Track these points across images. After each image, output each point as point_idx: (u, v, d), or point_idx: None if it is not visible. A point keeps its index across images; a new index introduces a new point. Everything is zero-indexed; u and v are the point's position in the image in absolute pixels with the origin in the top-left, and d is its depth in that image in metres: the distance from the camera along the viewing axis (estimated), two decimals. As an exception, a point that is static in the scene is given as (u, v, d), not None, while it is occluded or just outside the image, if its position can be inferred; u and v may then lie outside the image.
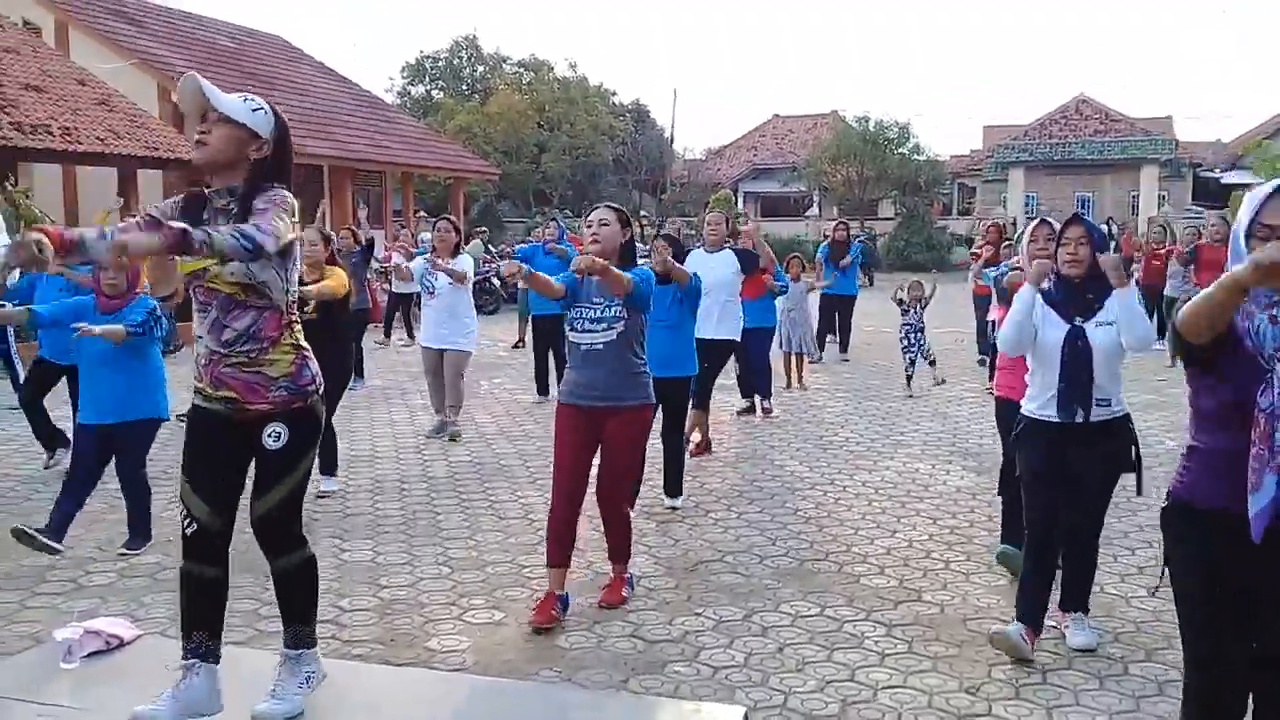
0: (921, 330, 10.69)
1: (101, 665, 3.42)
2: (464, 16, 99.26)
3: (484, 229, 23.46)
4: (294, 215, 3.11)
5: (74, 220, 17.43)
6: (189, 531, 3.18)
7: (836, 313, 13.12)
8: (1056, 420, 4.16)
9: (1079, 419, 4.12)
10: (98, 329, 5.29)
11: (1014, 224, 26.39)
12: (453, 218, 9.09)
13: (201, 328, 3.18)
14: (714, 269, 7.16)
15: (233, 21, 26.80)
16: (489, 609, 4.71)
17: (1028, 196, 37.05)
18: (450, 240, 8.41)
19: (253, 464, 3.24)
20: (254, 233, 2.91)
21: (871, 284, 25.11)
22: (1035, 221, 5.21)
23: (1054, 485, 4.20)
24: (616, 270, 4.43)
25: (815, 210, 39.29)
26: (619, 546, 4.82)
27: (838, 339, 13.20)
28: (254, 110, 3.14)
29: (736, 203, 38.59)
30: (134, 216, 3.11)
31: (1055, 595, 4.33)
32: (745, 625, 4.52)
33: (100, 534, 5.75)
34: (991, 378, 10.56)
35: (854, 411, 9.63)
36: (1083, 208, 36.39)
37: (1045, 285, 4.40)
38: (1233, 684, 2.70)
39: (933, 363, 10.75)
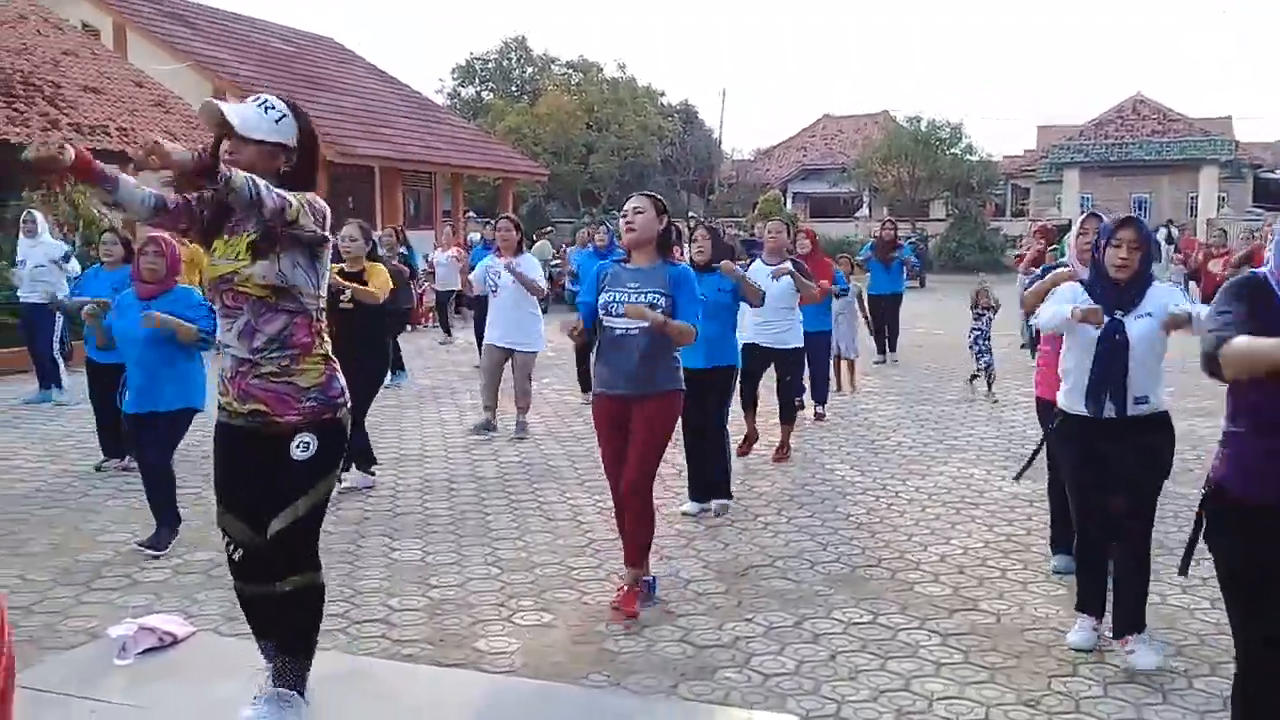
0: (988, 339, 10.49)
1: (156, 662, 3.44)
2: (514, 19, 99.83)
3: (550, 228, 23.47)
4: (321, 220, 3.08)
5: (130, 220, 17.74)
6: (236, 556, 3.16)
7: (884, 312, 12.95)
8: (1088, 414, 4.07)
9: (1109, 413, 4.02)
10: (171, 320, 5.30)
11: (1052, 227, 26.02)
12: (513, 216, 9.09)
13: (229, 335, 3.12)
14: (771, 273, 7.10)
15: (286, 24, 27.14)
16: (538, 610, 4.68)
17: (1083, 197, 36.43)
18: (513, 239, 8.40)
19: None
20: (264, 190, 2.85)
21: (922, 285, 24.85)
22: (1085, 214, 5.12)
23: (1092, 482, 4.12)
24: (675, 323, 4.45)
25: (865, 211, 39.01)
26: (637, 544, 4.69)
27: (886, 339, 13.03)
28: (277, 121, 3.09)
29: (785, 204, 38.39)
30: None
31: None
32: (796, 632, 4.45)
33: (148, 530, 5.79)
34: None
35: (906, 415, 9.50)
36: (1140, 209, 35.79)
37: (1084, 276, 4.33)
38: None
39: (991, 381, 10.52)
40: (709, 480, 6.26)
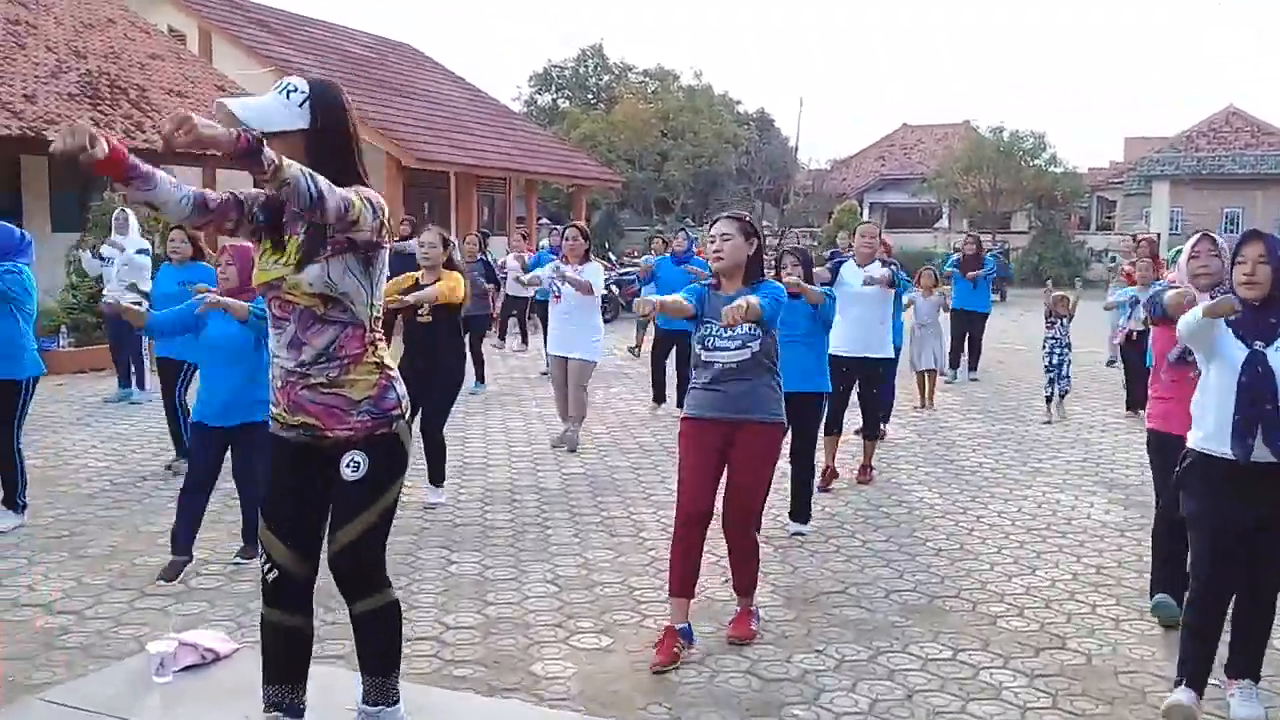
0: (1068, 347, 10.02)
1: (194, 681, 3.30)
2: (592, 27, 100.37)
3: (607, 250, 23.35)
4: (379, 212, 2.81)
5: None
6: (270, 577, 2.95)
7: (967, 330, 12.49)
8: (1230, 457, 3.69)
9: (1260, 457, 3.64)
10: (225, 300, 5.10)
11: (1154, 239, 25.11)
12: (581, 224, 8.93)
13: (278, 345, 2.91)
14: (865, 275, 6.84)
15: (367, 30, 27.44)
16: (597, 633, 4.47)
17: (1172, 211, 35.31)
18: (579, 247, 8.25)
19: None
20: (326, 188, 2.60)
21: (1004, 299, 24.22)
22: (1197, 235, 4.71)
23: (1225, 532, 3.73)
24: (750, 299, 4.14)
25: (944, 222, 38.29)
26: (746, 577, 4.49)
27: (968, 357, 12.59)
28: (300, 105, 2.80)
29: (862, 214, 37.81)
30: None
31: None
32: (870, 666, 4.18)
33: (214, 535, 5.71)
34: (1129, 405, 9.97)
35: (987, 435, 9.12)
36: (1231, 225, 34.59)
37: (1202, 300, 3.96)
38: None
39: (1063, 395, 10.06)
40: (795, 501, 6.07)
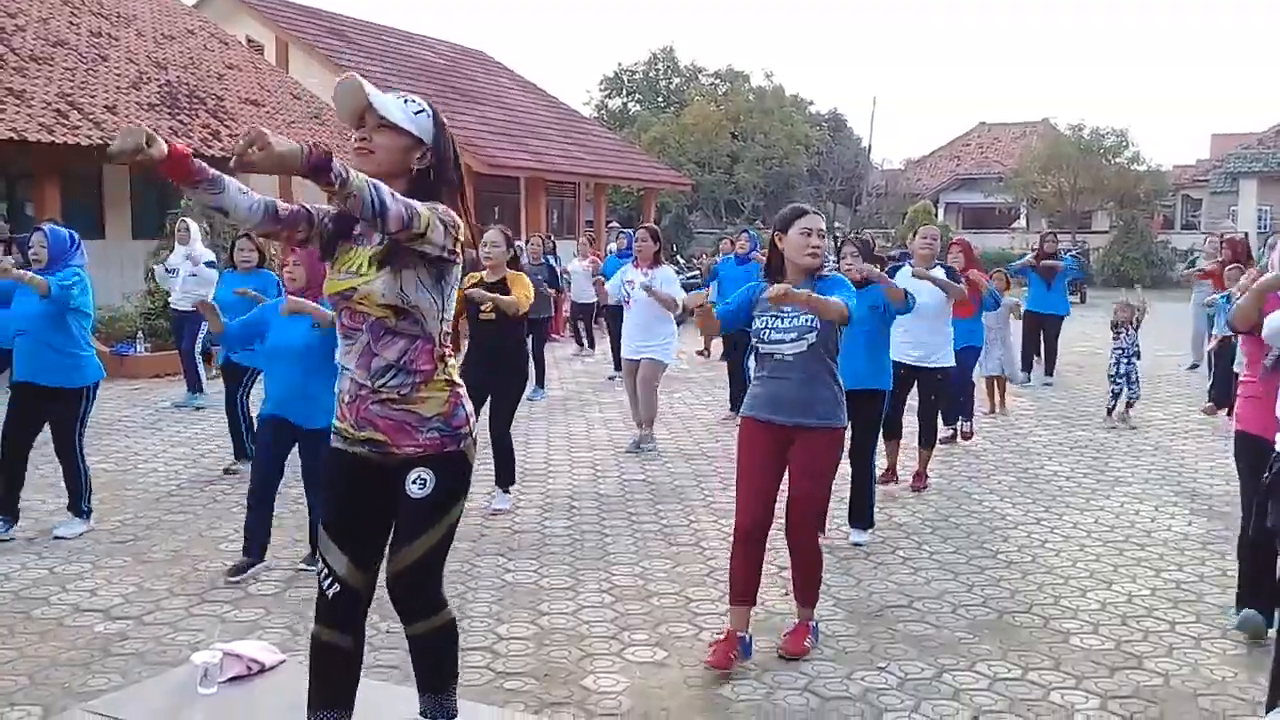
0: (1136, 356, 9.68)
1: (239, 692, 3.26)
2: (662, 29, 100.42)
3: (676, 253, 23.22)
4: (456, 231, 2.78)
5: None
6: (331, 592, 2.88)
7: (1042, 333, 12.11)
8: None
9: None
10: (307, 304, 5.11)
11: (1244, 238, 24.29)
12: (652, 226, 8.84)
13: (348, 357, 2.86)
14: (925, 288, 6.65)
15: (440, 38, 27.74)
16: (651, 646, 4.38)
17: (1260, 209, 34.11)
18: (649, 250, 8.17)
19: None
20: (389, 197, 2.56)
21: (1083, 301, 23.58)
22: None
23: None
24: (824, 299, 4.00)
25: (1022, 222, 37.52)
26: (806, 584, 4.36)
27: (1044, 361, 12.22)
28: (416, 113, 2.82)
29: (937, 214, 37.19)
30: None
31: None
32: (934, 685, 4.02)
33: (276, 541, 5.71)
34: (1219, 405, 9.57)
35: (1062, 442, 8.83)
36: (1321, 222, 33.29)
37: None
38: None
39: (1131, 403, 9.70)
40: (854, 504, 5.92)
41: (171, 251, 10.61)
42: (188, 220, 10.39)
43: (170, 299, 10.40)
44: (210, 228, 11.86)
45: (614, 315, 10.88)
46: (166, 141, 2.42)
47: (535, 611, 4.77)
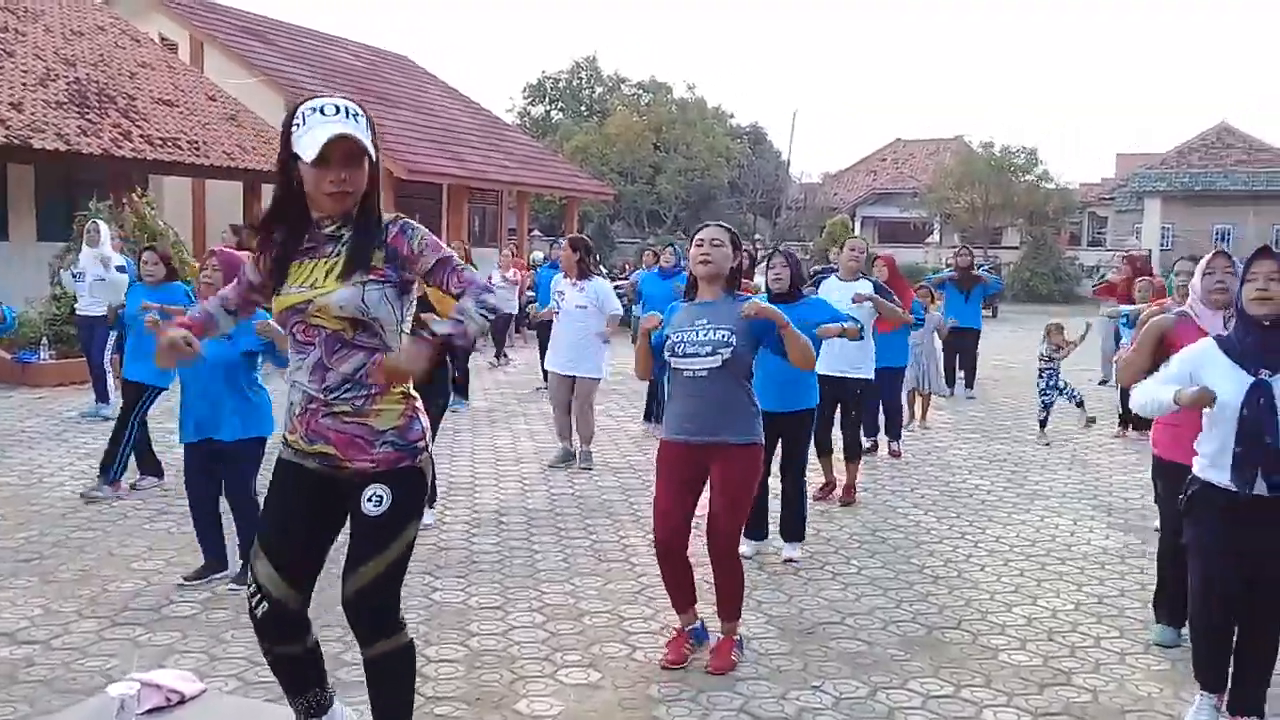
0: (1056, 374, 9.88)
1: (157, 725, 3.11)
2: (586, 39, 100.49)
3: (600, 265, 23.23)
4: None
5: (200, 232, 17.82)
6: (260, 612, 2.80)
7: (959, 347, 12.30)
8: (1233, 488, 3.56)
9: (1260, 490, 3.51)
10: (275, 326, 4.95)
11: (1146, 255, 25.03)
12: (579, 236, 8.75)
13: (300, 371, 2.80)
14: (850, 301, 6.69)
15: (361, 41, 27.31)
16: (584, 667, 4.30)
17: (1164, 227, 35.34)
18: (572, 260, 8.08)
19: (343, 532, 2.91)
20: (488, 296, 2.70)
21: (995, 315, 24.10)
22: (1211, 253, 4.58)
23: (1228, 563, 3.60)
24: (794, 330, 4.16)
25: (935, 237, 38.25)
26: (729, 599, 4.35)
27: (963, 375, 12.43)
28: (367, 128, 2.72)
29: (854, 228, 37.75)
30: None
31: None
32: (869, 704, 4.02)
33: (191, 559, 5.53)
34: (1125, 424, 9.84)
35: (983, 455, 8.98)
36: (1222, 240, 34.58)
37: (1225, 331, 3.84)
38: None
39: (1080, 403, 9.92)
40: (763, 520, 5.89)
41: (79, 254, 10.21)
42: (98, 222, 10.02)
43: (77, 304, 10.00)
44: (121, 228, 11.48)
45: (543, 326, 10.78)
46: (185, 326, 2.83)
47: (464, 632, 4.66)
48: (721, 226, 4.41)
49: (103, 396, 9.67)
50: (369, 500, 2.75)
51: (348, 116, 2.69)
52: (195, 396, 5.21)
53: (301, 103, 2.75)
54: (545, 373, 11.92)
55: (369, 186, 2.75)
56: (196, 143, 16.56)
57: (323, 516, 2.85)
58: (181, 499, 6.73)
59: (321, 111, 2.67)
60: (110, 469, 6.82)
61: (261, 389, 5.32)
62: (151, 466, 7.19)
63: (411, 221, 2.81)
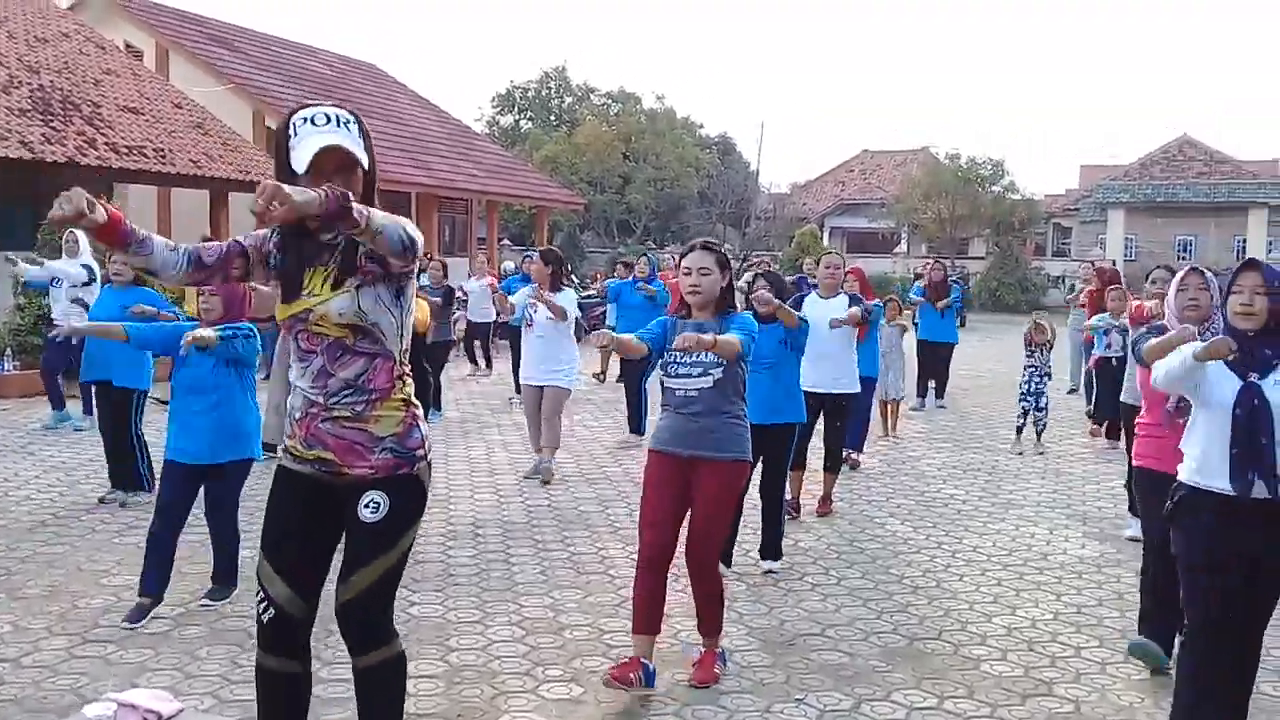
0: (1047, 376, 9.87)
1: (135, 746, 3.04)
2: (555, 49, 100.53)
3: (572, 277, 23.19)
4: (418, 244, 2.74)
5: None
6: (266, 618, 2.80)
7: (934, 361, 12.35)
8: (1230, 493, 3.56)
9: (1260, 493, 3.51)
10: (199, 333, 4.85)
11: (1113, 265, 25.30)
12: (546, 248, 8.73)
13: (302, 378, 2.78)
14: (830, 316, 6.70)
15: (331, 50, 27.15)
16: (566, 681, 4.26)
17: (1127, 238, 35.80)
18: (544, 273, 8.05)
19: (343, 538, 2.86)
20: (410, 228, 2.59)
21: (963, 325, 24.24)
22: (1185, 270, 4.62)
23: (1223, 572, 3.60)
24: (723, 338, 4.02)
25: (903, 247, 38.51)
26: (710, 613, 4.32)
27: (934, 385, 12.48)
28: (359, 136, 2.72)
29: (822, 238, 37.96)
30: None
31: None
32: (853, 717, 4.00)
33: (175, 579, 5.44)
34: (1099, 423, 9.91)
35: (955, 465, 9.02)
36: (1184, 251, 35.16)
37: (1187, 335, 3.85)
38: None
39: (1040, 431, 9.90)
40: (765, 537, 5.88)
41: (49, 263, 10.02)
42: (78, 232, 9.84)
43: (52, 314, 9.80)
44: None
45: (516, 335, 10.73)
46: (105, 207, 2.43)
47: (444, 647, 4.60)
48: (708, 250, 4.31)
49: (59, 403, 9.51)
50: (366, 507, 2.74)
51: (339, 125, 2.69)
52: (186, 417, 5.08)
53: (293, 113, 2.74)
54: (518, 383, 11.97)
55: (363, 194, 2.73)
56: (162, 150, 16.37)
57: (321, 523, 2.83)
58: (151, 513, 6.68)
59: (313, 122, 2.66)
60: (139, 480, 6.87)
61: (254, 407, 5.24)
62: (129, 479, 7.05)
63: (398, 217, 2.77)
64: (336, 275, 2.71)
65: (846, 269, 8.79)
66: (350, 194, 2.45)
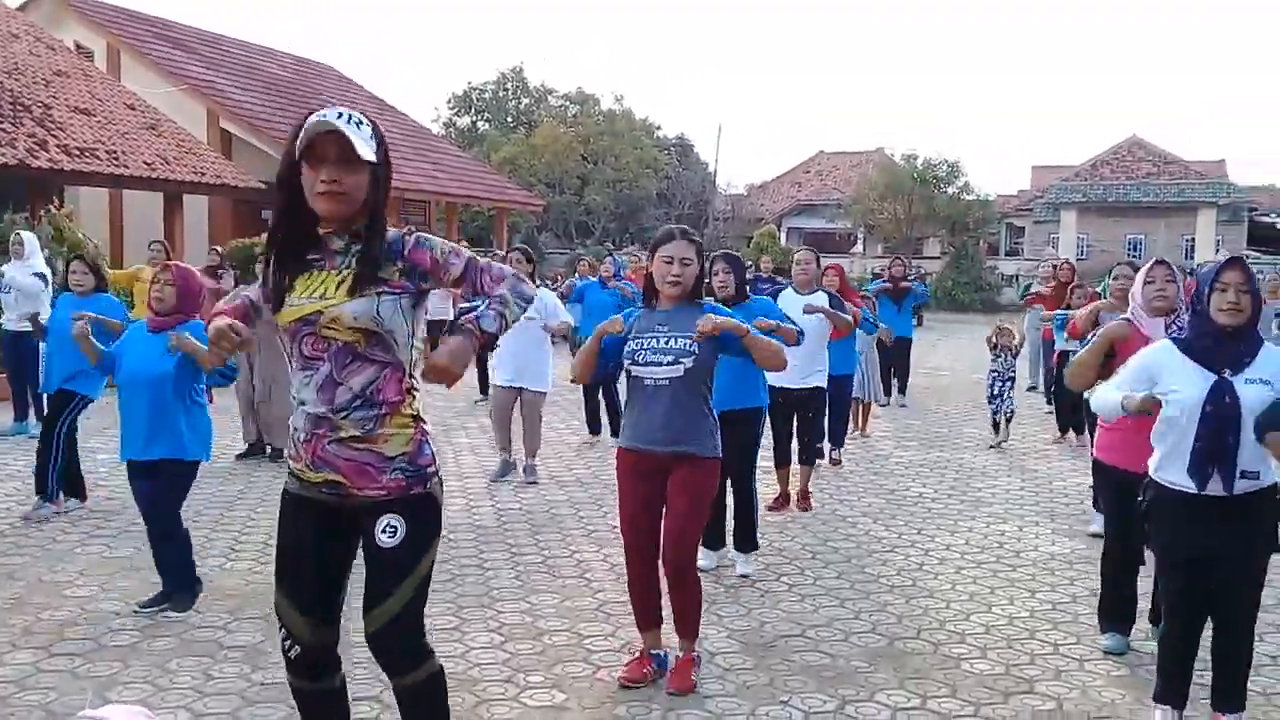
0: (1011, 380, 9.98)
1: (113, 763, 2.94)
2: (512, 50, 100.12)
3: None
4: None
5: (118, 245, 17.29)
6: (294, 655, 2.77)
7: (894, 356, 12.45)
8: (1192, 490, 3.61)
9: (1215, 489, 3.57)
10: (191, 343, 4.77)
11: (1068, 264, 25.59)
12: (525, 248, 8.65)
13: (306, 390, 2.69)
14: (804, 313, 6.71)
15: (284, 50, 26.83)
16: (548, 688, 4.21)
17: (1079, 237, 36.32)
18: (524, 272, 7.97)
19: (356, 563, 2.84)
20: (524, 287, 2.70)
21: (920, 324, 24.44)
22: (1151, 262, 4.69)
23: (1194, 567, 3.66)
24: (786, 326, 4.06)
25: (859, 248, 38.78)
26: (686, 616, 4.27)
27: (896, 382, 12.58)
28: (370, 138, 2.66)
29: (780, 238, 38.10)
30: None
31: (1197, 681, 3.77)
32: (838, 719, 3.99)
33: (128, 584, 5.33)
34: (1064, 430, 10.01)
35: (923, 462, 9.06)
36: (1134, 251, 35.71)
37: (1179, 333, 3.90)
38: None
39: (1009, 418, 10.01)
40: (720, 529, 5.82)
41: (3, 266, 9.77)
42: (24, 234, 9.61)
43: (2, 319, 9.57)
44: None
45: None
46: (228, 315, 2.67)
47: (422, 654, 4.53)
48: (688, 239, 4.28)
49: (23, 414, 9.30)
50: (383, 532, 2.67)
51: (349, 122, 2.63)
52: (131, 412, 5.01)
53: (306, 116, 2.68)
54: (483, 385, 11.88)
55: (374, 198, 2.68)
56: (115, 153, 16.08)
57: (335, 546, 2.77)
58: (112, 520, 6.56)
59: (322, 115, 2.60)
60: (47, 488, 6.57)
61: (202, 409, 5.12)
62: (74, 487, 6.88)
63: (424, 233, 2.76)
64: (354, 280, 2.64)
65: (826, 266, 8.84)
66: (488, 333, 2.64)
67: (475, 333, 2.60)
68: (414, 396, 2.76)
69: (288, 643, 2.77)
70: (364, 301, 2.63)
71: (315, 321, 2.65)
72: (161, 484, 4.98)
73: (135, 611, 4.91)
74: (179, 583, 5.00)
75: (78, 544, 6.11)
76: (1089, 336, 4.85)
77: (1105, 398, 3.87)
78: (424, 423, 2.79)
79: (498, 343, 8.13)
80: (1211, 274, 3.64)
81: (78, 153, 15.34)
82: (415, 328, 2.76)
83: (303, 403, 2.71)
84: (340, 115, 2.63)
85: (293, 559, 2.77)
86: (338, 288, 2.65)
